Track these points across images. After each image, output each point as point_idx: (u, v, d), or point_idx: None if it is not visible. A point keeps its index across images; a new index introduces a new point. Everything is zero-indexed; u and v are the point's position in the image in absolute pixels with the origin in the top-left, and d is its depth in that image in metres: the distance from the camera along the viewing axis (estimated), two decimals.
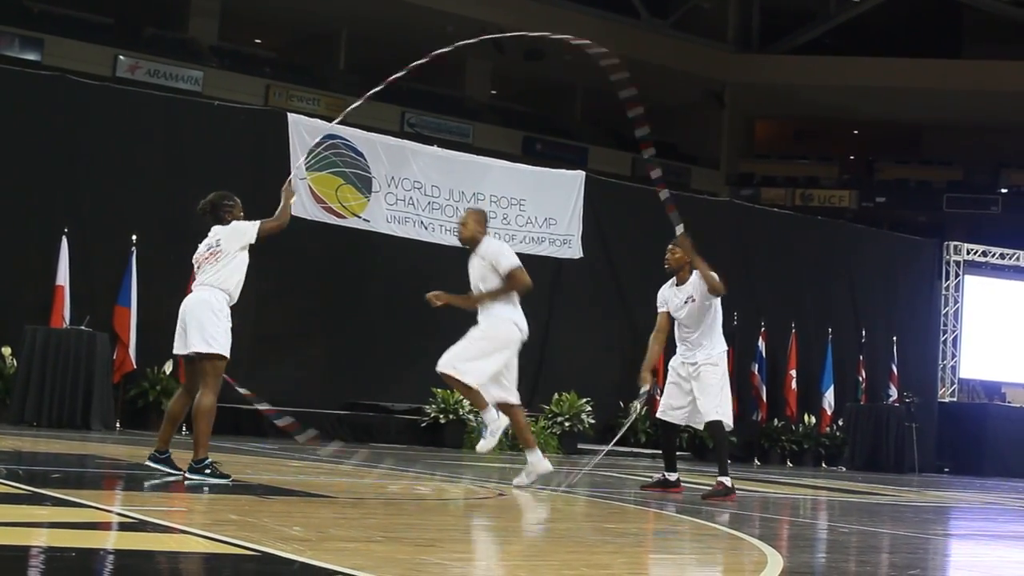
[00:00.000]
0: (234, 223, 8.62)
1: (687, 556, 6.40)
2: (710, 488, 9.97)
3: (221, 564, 4.72)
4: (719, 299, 10.03)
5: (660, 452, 10.99)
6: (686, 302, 9.98)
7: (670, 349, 10.27)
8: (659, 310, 10.25)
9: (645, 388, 10.14)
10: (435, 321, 17.84)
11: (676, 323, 10.18)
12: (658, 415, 10.30)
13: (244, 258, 8.62)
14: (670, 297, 10.15)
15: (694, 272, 9.98)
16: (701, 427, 10.33)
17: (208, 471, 8.12)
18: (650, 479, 10.64)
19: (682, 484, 10.35)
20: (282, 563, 4.67)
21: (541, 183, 18.99)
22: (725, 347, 10.24)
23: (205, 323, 8.26)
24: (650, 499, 9.55)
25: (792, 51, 41.76)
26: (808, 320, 21.13)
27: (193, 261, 8.69)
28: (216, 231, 8.66)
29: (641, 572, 5.49)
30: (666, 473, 10.27)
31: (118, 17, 34.38)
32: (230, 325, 8.38)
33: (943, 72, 39.60)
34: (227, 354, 8.29)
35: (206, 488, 7.77)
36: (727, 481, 9.83)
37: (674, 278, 10.14)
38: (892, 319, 22.49)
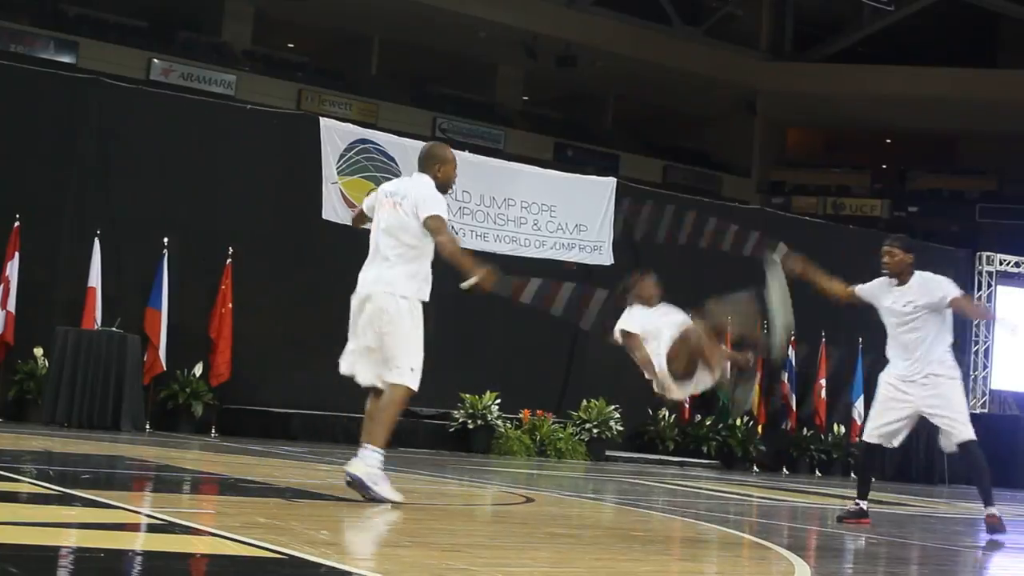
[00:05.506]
0: None
1: (714, 565, 6.39)
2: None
3: (248, 567, 4.73)
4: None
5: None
6: (905, 306, 8.91)
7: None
8: (859, 286, 9.34)
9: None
10: (464, 327, 17.91)
11: (894, 327, 9.06)
12: (866, 438, 9.12)
13: None
14: (884, 294, 9.13)
15: (915, 274, 9.02)
16: (949, 449, 8.99)
17: None
18: (845, 509, 9.33)
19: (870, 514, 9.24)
20: (309, 567, 4.68)
21: (572, 189, 18.98)
22: (953, 359, 8.99)
23: None
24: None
25: (825, 59, 41.61)
26: (839, 330, 21.00)
27: None
28: None
29: None
30: (859, 500, 9.16)
31: (152, 21, 34.59)
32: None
33: (977, 81, 39.36)
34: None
35: None
36: (995, 511, 8.61)
37: (894, 279, 9.10)
38: None
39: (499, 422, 16.95)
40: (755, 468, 19.54)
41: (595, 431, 17.74)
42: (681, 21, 39.55)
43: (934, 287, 8.93)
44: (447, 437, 16.99)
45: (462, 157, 18.29)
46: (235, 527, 5.56)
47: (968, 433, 8.67)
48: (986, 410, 23.88)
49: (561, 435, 17.24)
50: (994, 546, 8.24)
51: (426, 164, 8.03)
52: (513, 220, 18.20)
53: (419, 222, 7.67)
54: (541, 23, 36.49)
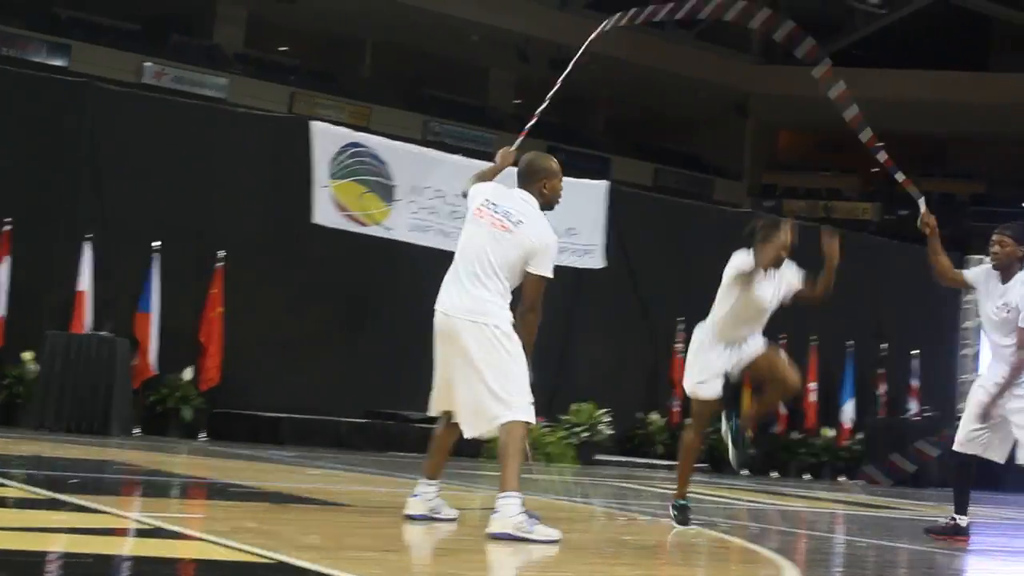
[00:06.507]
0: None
1: (704, 569, 6.40)
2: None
3: (237, 572, 4.74)
4: None
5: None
6: (999, 308, 8.07)
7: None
8: (966, 271, 8.59)
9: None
10: None
11: (985, 331, 8.35)
12: (956, 447, 8.24)
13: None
14: (983, 282, 8.32)
15: (1020, 273, 8.07)
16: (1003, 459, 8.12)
17: None
18: (935, 522, 8.55)
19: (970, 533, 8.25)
20: (298, 571, 4.68)
21: (564, 193, 18.89)
22: None
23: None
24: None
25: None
26: (828, 333, 21.02)
27: None
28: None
29: None
30: (957, 516, 8.17)
31: (145, 24, 34.59)
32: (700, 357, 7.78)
33: (969, 85, 39.46)
34: (690, 392, 7.81)
35: None
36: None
37: (998, 272, 8.24)
38: (914, 333, 22.36)
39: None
40: (744, 472, 19.54)
41: (584, 434, 17.72)
42: (673, 24, 39.56)
43: None
44: None
45: (453, 161, 18.36)
46: (224, 532, 5.57)
47: None
48: None
49: (550, 439, 17.22)
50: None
51: (529, 179, 7.19)
52: None
53: (523, 262, 6.90)
54: (533, 26, 36.54)
